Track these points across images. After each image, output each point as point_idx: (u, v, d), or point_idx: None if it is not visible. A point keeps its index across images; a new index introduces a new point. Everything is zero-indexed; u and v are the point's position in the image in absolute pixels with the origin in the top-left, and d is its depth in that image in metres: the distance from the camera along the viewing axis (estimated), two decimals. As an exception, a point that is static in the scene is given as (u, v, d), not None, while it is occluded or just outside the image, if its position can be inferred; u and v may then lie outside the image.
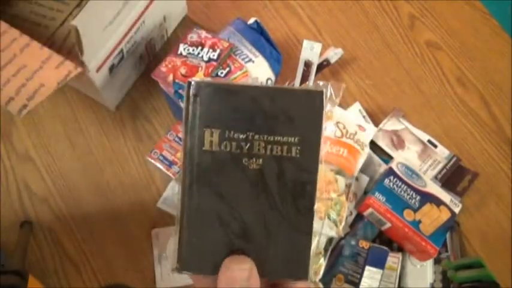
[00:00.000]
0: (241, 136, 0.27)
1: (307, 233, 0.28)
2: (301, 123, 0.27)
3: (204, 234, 0.28)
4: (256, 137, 0.27)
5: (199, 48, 0.57)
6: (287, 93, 0.28)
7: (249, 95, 0.27)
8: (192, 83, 0.28)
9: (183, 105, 0.28)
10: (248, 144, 0.27)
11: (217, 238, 0.28)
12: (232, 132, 0.27)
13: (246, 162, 0.27)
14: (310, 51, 0.61)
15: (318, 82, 0.29)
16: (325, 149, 0.28)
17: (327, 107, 0.28)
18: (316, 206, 0.28)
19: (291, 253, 0.28)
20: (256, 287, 0.26)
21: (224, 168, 0.28)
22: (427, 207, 0.55)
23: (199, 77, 0.55)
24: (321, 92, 0.28)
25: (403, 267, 0.55)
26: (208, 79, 0.27)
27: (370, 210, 0.55)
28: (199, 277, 0.28)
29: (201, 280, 0.28)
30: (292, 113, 0.27)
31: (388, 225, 0.54)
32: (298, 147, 0.27)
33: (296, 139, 0.27)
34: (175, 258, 0.28)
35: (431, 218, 0.54)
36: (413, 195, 0.55)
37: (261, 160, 0.27)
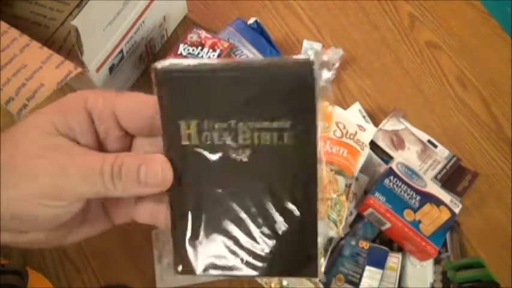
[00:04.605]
0: (223, 125, 0.23)
1: (311, 227, 0.25)
2: (290, 103, 0.23)
3: (197, 241, 0.25)
4: (240, 124, 0.23)
5: (199, 48, 0.57)
6: (270, 68, 0.23)
7: (225, 76, 0.23)
8: (158, 68, 0.23)
9: (154, 92, 0.24)
10: (232, 134, 0.23)
11: (213, 243, 0.25)
12: (211, 122, 0.23)
13: (232, 155, 0.24)
14: (310, 51, 0.61)
15: (307, 47, 0.23)
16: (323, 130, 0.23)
17: (321, 78, 0.23)
18: (320, 195, 0.24)
19: (297, 251, 0.25)
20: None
21: (207, 163, 0.24)
22: (427, 207, 0.55)
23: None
24: (311, 62, 0.22)
25: (403, 267, 0.55)
26: (177, 61, 0.23)
27: (370, 210, 0.55)
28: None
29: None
30: (279, 92, 0.23)
31: (388, 225, 0.54)
32: (291, 133, 0.23)
33: (288, 123, 0.23)
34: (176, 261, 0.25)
35: (431, 218, 0.54)
36: (414, 195, 0.55)
37: (248, 151, 0.23)
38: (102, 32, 0.51)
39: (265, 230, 0.25)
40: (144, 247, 0.57)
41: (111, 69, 0.56)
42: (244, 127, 0.23)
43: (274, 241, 0.25)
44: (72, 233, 0.29)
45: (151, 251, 0.56)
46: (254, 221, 0.24)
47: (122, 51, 0.56)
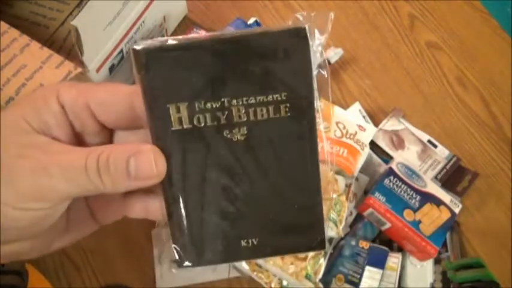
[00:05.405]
0: (215, 104, 0.22)
1: (315, 196, 0.24)
2: (284, 73, 0.22)
3: (198, 228, 0.24)
4: (234, 102, 0.22)
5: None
6: (260, 39, 0.22)
7: (213, 51, 0.21)
8: (139, 49, 0.21)
9: (135, 78, 0.22)
10: (226, 113, 0.22)
11: (216, 228, 0.24)
12: (202, 103, 0.22)
13: (227, 135, 0.23)
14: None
15: (297, 16, 0.24)
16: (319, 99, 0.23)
17: (314, 45, 0.23)
18: (320, 167, 0.24)
19: (302, 226, 0.24)
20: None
21: (201, 147, 0.23)
22: (427, 207, 0.55)
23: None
24: (303, 29, 0.22)
25: (403, 267, 0.55)
26: (158, 40, 0.22)
27: (370, 210, 0.55)
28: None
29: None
30: (272, 63, 0.22)
31: (388, 225, 0.54)
32: (287, 104, 0.22)
33: (283, 95, 0.22)
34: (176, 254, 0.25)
35: (431, 218, 0.54)
36: (414, 195, 0.55)
37: (245, 129, 0.22)
38: (102, 32, 0.51)
39: (268, 208, 0.24)
40: (144, 247, 0.57)
41: (111, 69, 0.56)
42: (238, 104, 0.22)
43: (278, 219, 0.24)
44: (58, 239, 0.27)
45: (151, 251, 0.56)
46: (256, 202, 0.24)
47: (121, 51, 0.56)
